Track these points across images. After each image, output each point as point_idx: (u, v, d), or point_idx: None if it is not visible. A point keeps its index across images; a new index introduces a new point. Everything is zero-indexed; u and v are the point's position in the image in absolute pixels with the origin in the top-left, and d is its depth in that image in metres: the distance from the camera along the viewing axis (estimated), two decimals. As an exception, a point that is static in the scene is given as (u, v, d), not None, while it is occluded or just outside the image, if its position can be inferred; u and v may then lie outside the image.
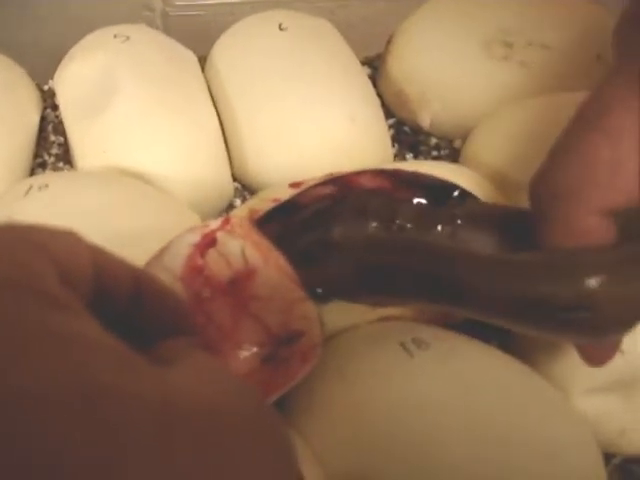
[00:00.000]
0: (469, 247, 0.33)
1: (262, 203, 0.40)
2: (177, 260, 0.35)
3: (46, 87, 0.57)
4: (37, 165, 0.52)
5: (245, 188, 0.51)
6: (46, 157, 0.52)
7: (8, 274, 0.18)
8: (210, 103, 0.51)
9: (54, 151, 0.53)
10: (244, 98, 0.50)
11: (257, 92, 0.50)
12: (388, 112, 0.55)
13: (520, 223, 0.32)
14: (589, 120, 0.29)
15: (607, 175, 0.28)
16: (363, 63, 0.57)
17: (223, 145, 0.50)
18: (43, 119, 0.54)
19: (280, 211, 0.38)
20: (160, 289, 0.25)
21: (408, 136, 0.55)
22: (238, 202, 0.50)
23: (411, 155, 0.53)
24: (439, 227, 0.33)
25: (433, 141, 0.54)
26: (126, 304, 0.23)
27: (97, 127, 0.47)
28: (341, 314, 0.37)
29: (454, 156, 0.52)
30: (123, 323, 0.22)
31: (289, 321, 0.34)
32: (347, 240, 0.35)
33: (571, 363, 0.38)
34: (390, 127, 0.54)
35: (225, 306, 0.34)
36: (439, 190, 0.37)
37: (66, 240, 0.22)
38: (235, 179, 0.51)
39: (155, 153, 0.46)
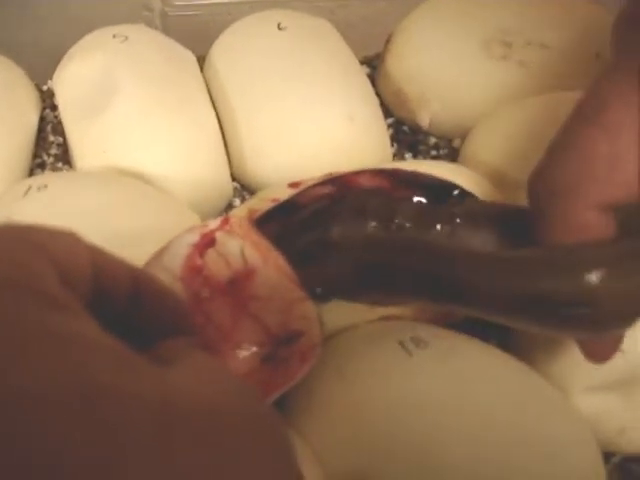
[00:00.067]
0: (468, 245, 0.33)
1: (261, 203, 0.40)
2: (176, 260, 0.35)
3: (45, 87, 0.57)
4: (36, 165, 0.52)
5: (244, 188, 0.51)
6: (45, 157, 0.52)
7: (7, 274, 0.18)
8: (209, 103, 0.51)
9: (53, 151, 0.53)
10: (243, 98, 0.50)
11: (256, 92, 0.50)
12: (387, 111, 0.55)
13: (519, 221, 0.32)
14: (587, 116, 0.30)
15: (605, 170, 0.28)
16: (362, 62, 0.57)
17: (222, 145, 0.50)
18: (42, 119, 0.54)
19: (279, 211, 0.38)
20: (159, 289, 0.25)
21: (407, 135, 0.55)
22: (237, 202, 0.50)
23: (410, 154, 0.53)
24: (438, 226, 0.34)
25: (432, 140, 0.54)
26: (125, 304, 0.23)
27: (96, 127, 0.47)
28: (340, 314, 0.37)
29: (453, 155, 0.52)
30: (122, 323, 0.22)
31: (288, 321, 0.34)
32: (346, 240, 0.35)
33: (570, 362, 0.38)
34: (389, 126, 0.54)
35: (224, 306, 0.34)
36: (438, 189, 0.37)
37: (65, 240, 0.22)
38: (234, 179, 0.51)
39: (154, 153, 0.46)
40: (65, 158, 0.52)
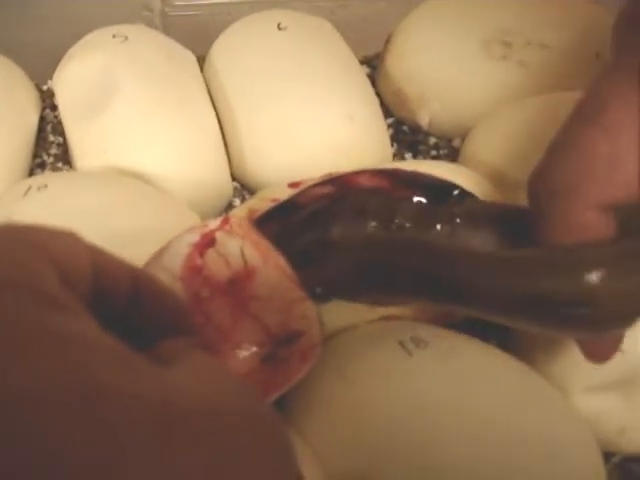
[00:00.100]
0: (468, 245, 0.33)
1: (261, 203, 0.40)
2: (176, 260, 0.35)
3: (45, 87, 0.57)
4: (36, 165, 0.52)
5: (244, 188, 0.51)
6: (45, 157, 0.52)
7: (7, 274, 0.18)
8: (209, 103, 0.51)
9: (53, 151, 0.53)
10: (243, 98, 0.50)
11: (256, 92, 0.50)
12: (387, 111, 0.55)
13: (519, 221, 0.32)
14: (587, 116, 0.29)
15: (605, 170, 0.28)
16: (362, 62, 0.57)
17: (222, 145, 0.50)
18: (42, 119, 0.54)
19: (279, 211, 0.38)
20: (159, 289, 0.25)
21: (407, 135, 0.55)
22: (237, 202, 0.50)
23: (410, 154, 0.53)
24: (438, 226, 0.34)
25: (432, 140, 0.54)
26: (125, 304, 0.23)
27: (96, 127, 0.47)
28: (340, 314, 0.37)
29: (453, 155, 0.52)
30: (122, 323, 0.22)
31: (288, 321, 0.34)
32: (346, 240, 0.35)
33: (570, 362, 0.38)
34: (389, 126, 0.54)
35: (224, 306, 0.34)
36: (438, 189, 0.37)
37: (65, 240, 0.22)
38: (234, 179, 0.51)
39: (154, 153, 0.46)
40: (65, 158, 0.52)
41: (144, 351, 0.20)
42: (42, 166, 0.52)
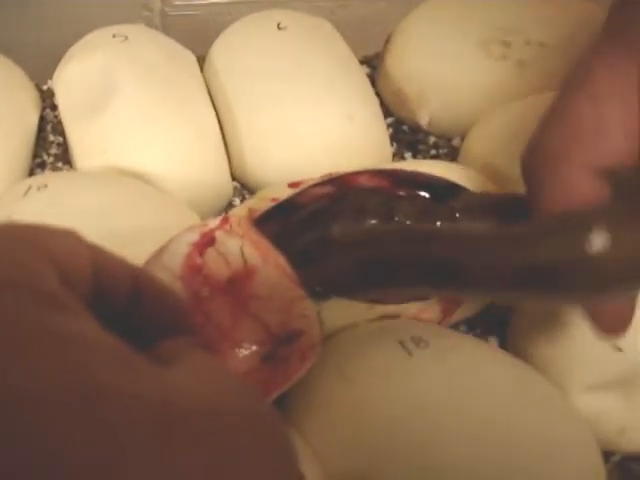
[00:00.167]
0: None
1: (261, 202, 0.40)
2: (176, 259, 0.35)
3: (45, 87, 0.57)
4: (36, 165, 0.52)
5: (244, 187, 0.51)
6: (45, 157, 0.52)
7: (7, 274, 0.18)
8: (209, 103, 0.51)
9: (53, 151, 0.53)
10: (243, 98, 0.50)
11: (256, 91, 0.50)
12: (387, 111, 0.55)
13: (518, 208, 0.32)
14: (573, 85, 0.30)
15: (592, 135, 0.29)
16: (362, 62, 0.57)
17: (222, 145, 0.50)
18: (42, 119, 0.54)
19: (279, 211, 0.39)
20: (159, 288, 0.25)
21: (407, 135, 0.55)
22: (237, 201, 0.50)
23: (410, 154, 0.54)
24: (438, 223, 0.34)
25: (432, 140, 0.54)
26: (125, 303, 0.23)
27: (96, 127, 0.47)
28: (340, 313, 0.37)
29: (453, 155, 0.52)
30: (122, 323, 0.22)
31: (288, 320, 0.34)
32: (346, 238, 0.35)
33: (570, 362, 0.38)
34: (389, 126, 0.54)
35: (224, 305, 0.34)
36: (438, 188, 0.37)
37: (65, 240, 0.22)
38: (234, 178, 0.51)
39: (154, 153, 0.46)
40: (65, 158, 0.52)
41: (144, 351, 0.20)
42: (42, 166, 0.52)
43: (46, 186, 0.42)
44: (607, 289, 0.28)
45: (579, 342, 0.38)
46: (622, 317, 0.32)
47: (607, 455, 0.38)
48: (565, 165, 0.29)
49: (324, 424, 0.34)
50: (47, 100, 0.56)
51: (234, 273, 0.35)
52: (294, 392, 0.35)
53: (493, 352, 0.39)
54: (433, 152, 0.53)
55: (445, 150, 0.53)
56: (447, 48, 0.53)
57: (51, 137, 0.54)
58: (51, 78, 0.54)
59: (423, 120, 0.53)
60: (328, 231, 0.35)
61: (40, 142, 0.53)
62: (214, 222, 0.37)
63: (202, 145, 0.48)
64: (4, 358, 0.16)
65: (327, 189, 0.40)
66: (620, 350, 0.36)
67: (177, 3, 0.62)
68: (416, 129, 0.54)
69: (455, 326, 0.43)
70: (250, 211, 0.39)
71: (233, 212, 0.43)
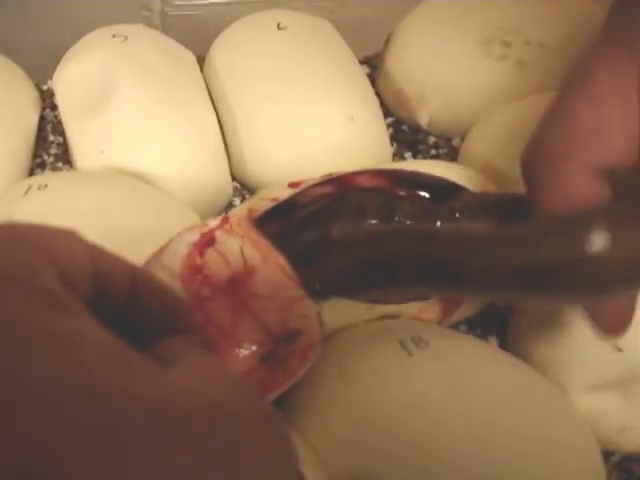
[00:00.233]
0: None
1: (261, 202, 0.40)
2: (176, 259, 0.35)
3: (45, 87, 0.57)
4: (36, 165, 0.52)
5: (244, 187, 0.51)
6: (45, 157, 0.52)
7: (8, 273, 0.18)
8: (209, 103, 0.51)
9: (53, 151, 0.53)
10: (243, 97, 0.50)
11: (256, 91, 0.50)
12: (387, 111, 0.55)
13: (517, 208, 0.32)
14: (573, 85, 0.30)
15: (592, 135, 0.29)
16: (362, 62, 0.57)
17: (222, 144, 0.50)
18: (42, 119, 0.54)
19: (279, 211, 0.39)
20: (159, 288, 0.25)
21: (407, 135, 0.55)
22: (237, 201, 0.50)
23: (410, 154, 0.54)
24: (438, 223, 0.33)
25: (432, 140, 0.54)
26: (125, 303, 0.23)
27: (96, 127, 0.47)
28: (340, 313, 0.37)
29: (453, 155, 0.52)
30: (122, 322, 0.22)
31: (288, 320, 0.34)
32: (346, 237, 0.35)
33: (570, 362, 0.38)
34: (389, 126, 0.54)
35: (224, 305, 0.34)
36: (438, 188, 0.37)
37: (65, 239, 0.22)
38: (234, 178, 0.51)
39: (154, 153, 0.46)
40: (65, 158, 0.52)
41: (144, 351, 0.20)
42: (42, 166, 0.52)
43: (46, 186, 0.42)
44: (607, 289, 0.28)
45: (579, 342, 0.38)
46: (622, 317, 0.32)
47: (607, 455, 0.38)
48: (565, 165, 0.29)
49: (324, 424, 0.34)
50: (47, 100, 0.56)
51: (234, 273, 0.35)
52: (294, 392, 0.35)
53: (493, 352, 0.39)
54: (433, 152, 0.53)
55: (445, 150, 0.53)
56: (447, 48, 0.53)
57: (51, 137, 0.54)
58: (51, 78, 0.54)
59: (423, 120, 0.53)
60: (328, 231, 0.35)
61: (40, 142, 0.53)
62: (214, 222, 0.37)
63: (202, 145, 0.48)
64: (4, 357, 0.16)
65: (327, 189, 0.40)
66: (620, 350, 0.36)
67: (177, 3, 0.62)
68: (416, 129, 0.54)
69: (455, 326, 0.43)
70: (250, 211, 0.39)
71: (233, 212, 0.43)
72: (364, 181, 0.40)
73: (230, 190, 0.50)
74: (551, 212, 0.29)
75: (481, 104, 0.51)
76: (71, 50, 0.53)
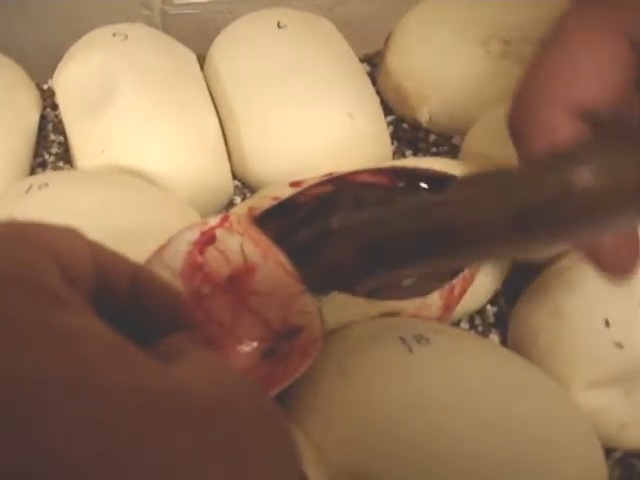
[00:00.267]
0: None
1: (262, 201, 0.40)
2: (176, 257, 0.35)
3: (46, 86, 0.57)
4: (37, 164, 0.52)
5: (245, 186, 0.51)
6: (46, 156, 0.52)
7: (9, 270, 0.18)
8: (209, 101, 0.51)
9: (54, 150, 0.53)
10: (243, 96, 0.50)
11: (256, 90, 0.50)
12: (387, 109, 0.55)
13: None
14: (548, 39, 0.32)
15: (567, 75, 0.30)
16: (362, 60, 0.57)
17: (223, 143, 0.50)
18: (43, 118, 0.54)
19: (279, 209, 0.39)
20: (160, 285, 0.25)
21: (407, 133, 0.55)
22: (238, 200, 0.50)
23: (410, 152, 0.54)
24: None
25: (432, 138, 0.54)
26: (126, 301, 0.23)
27: (97, 126, 0.47)
28: (341, 310, 0.37)
29: (453, 152, 0.52)
30: (123, 320, 0.22)
31: (289, 316, 0.34)
32: (345, 228, 0.35)
33: (571, 358, 0.38)
34: (389, 124, 0.54)
35: (225, 302, 0.34)
36: (437, 180, 0.37)
37: (66, 237, 0.22)
38: (235, 177, 0.51)
39: (155, 151, 0.46)
40: (66, 157, 0.52)
41: (146, 348, 0.20)
42: (43, 165, 0.52)
43: (47, 185, 0.42)
44: (597, 223, 0.27)
45: (580, 339, 0.38)
46: (627, 254, 0.31)
47: (609, 451, 0.38)
48: (544, 107, 0.30)
49: (325, 421, 0.34)
50: (48, 99, 0.56)
51: (234, 270, 0.35)
52: (295, 389, 0.35)
53: (494, 349, 0.39)
54: (433, 150, 0.53)
55: (445, 148, 0.53)
56: (447, 46, 0.53)
57: (52, 136, 0.54)
58: (52, 77, 0.54)
59: (423, 118, 0.53)
60: (327, 223, 0.35)
61: (41, 141, 0.53)
62: (214, 220, 0.37)
63: (203, 144, 0.48)
64: (5, 355, 0.16)
65: (328, 188, 0.40)
66: (621, 346, 0.36)
67: (177, 2, 0.62)
68: (417, 127, 0.54)
69: (456, 323, 0.43)
70: (250, 209, 0.39)
71: (234, 210, 0.43)
72: (365, 180, 0.40)
73: (231, 188, 0.50)
74: (534, 153, 0.30)
75: (481, 102, 0.51)
76: (71, 49, 0.53)
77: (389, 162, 0.49)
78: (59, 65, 0.52)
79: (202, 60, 0.55)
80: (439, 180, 0.37)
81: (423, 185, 0.37)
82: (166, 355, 0.21)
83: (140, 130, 0.47)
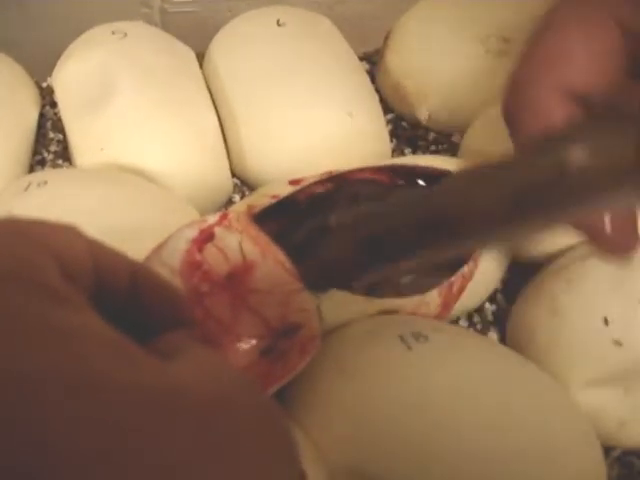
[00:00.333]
0: None
1: (261, 199, 0.40)
2: (175, 255, 0.35)
3: (45, 84, 0.57)
4: (36, 162, 0.52)
5: (244, 184, 0.51)
6: (45, 154, 0.52)
7: (9, 268, 0.18)
8: (209, 99, 0.51)
9: (53, 148, 0.53)
10: (242, 94, 0.50)
11: (255, 88, 0.50)
12: (386, 107, 0.55)
13: None
14: (540, 27, 0.32)
15: (558, 59, 0.30)
16: (361, 58, 0.57)
17: (222, 141, 0.50)
18: (42, 116, 0.54)
19: (278, 208, 0.39)
20: (158, 283, 0.25)
21: (406, 131, 0.55)
22: (237, 198, 0.50)
23: (409, 150, 0.54)
24: None
25: (431, 136, 0.54)
26: (125, 298, 0.23)
27: (96, 124, 0.47)
28: (340, 308, 0.37)
29: (453, 150, 0.52)
30: (122, 317, 0.22)
31: (287, 314, 0.34)
32: (344, 224, 0.35)
33: (570, 357, 0.38)
34: (388, 122, 0.54)
35: (224, 300, 0.34)
36: (435, 177, 0.37)
37: (65, 234, 0.22)
38: (234, 175, 0.51)
39: (154, 149, 0.46)
40: (65, 155, 0.52)
41: (145, 345, 0.20)
42: (42, 163, 0.52)
43: (46, 183, 0.42)
44: (594, 201, 0.27)
45: (579, 337, 0.38)
46: (628, 232, 0.31)
47: (607, 450, 0.38)
48: (536, 90, 0.30)
49: (324, 419, 0.34)
50: (47, 97, 0.56)
51: (233, 268, 0.35)
52: (294, 387, 0.35)
53: (493, 347, 0.39)
54: (433, 148, 0.53)
55: (445, 146, 0.53)
56: (447, 44, 0.53)
57: (51, 134, 0.54)
58: (51, 75, 0.54)
59: (423, 116, 0.53)
60: (326, 221, 0.35)
61: (40, 139, 0.53)
62: (213, 218, 0.37)
63: (202, 142, 0.48)
64: (6, 351, 0.16)
65: (327, 187, 0.40)
66: (620, 344, 0.36)
67: (176, 0, 0.62)
68: (416, 125, 0.54)
69: (455, 321, 0.43)
70: (249, 207, 0.39)
71: (233, 208, 0.43)
72: (364, 178, 0.40)
73: (230, 187, 0.50)
74: (530, 139, 0.30)
75: (481, 100, 0.51)
76: (70, 47, 0.53)
77: (388, 160, 0.49)
78: (58, 63, 0.52)
79: (201, 58, 0.55)
80: (438, 178, 0.37)
81: (422, 183, 0.37)
82: (165, 352, 0.21)
83: (139, 128, 0.47)
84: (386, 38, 0.56)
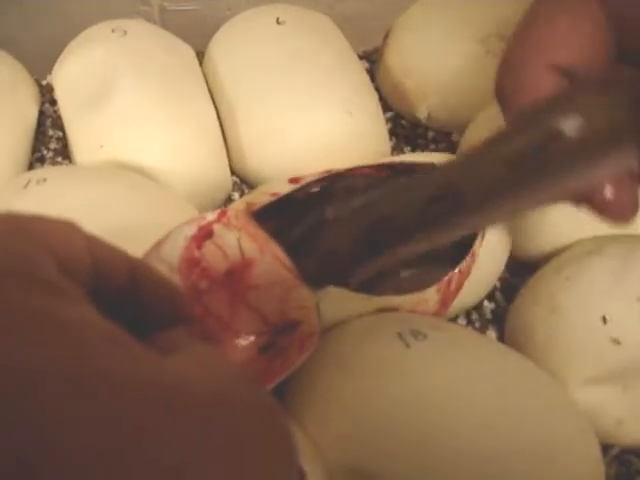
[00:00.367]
0: None
1: (261, 197, 0.40)
2: (174, 252, 0.35)
3: (44, 82, 0.57)
4: (36, 160, 0.52)
5: (243, 182, 0.51)
6: (45, 152, 0.52)
7: (7, 263, 0.18)
8: (208, 97, 0.51)
9: (52, 146, 0.53)
10: (242, 92, 0.50)
11: (254, 86, 0.50)
12: (386, 106, 0.55)
13: None
14: (528, 15, 0.33)
15: (547, 38, 0.31)
16: (361, 57, 0.57)
17: (221, 139, 0.50)
18: (41, 114, 0.55)
19: (277, 206, 0.39)
20: (157, 279, 0.25)
21: (406, 129, 0.55)
22: (236, 196, 0.50)
23: (409, 148, 0.54)
24: None
25: (431, 134, 0.54)
26: (124, 294, 0.23)
27: (95, 121, 0.47)
28: (338, 305, 0.37)
29: (452, 149, 0.52)
30: (121, 313, 0.22)
31: (286, 310, 0.34)
32: (340, 216, 0.35)
33: (568, 355, 0.38)
34: (388, 121, 0.55)
35: (222, 297, 0.34)
36: None
37: (64, 230, 0.22)
38: (233, 173, 0.51)
39: (153, 147, 0.46)
40: (64, 152, 0.52)
41: (144, 341, 0.20)
42: (41, 160, 0.52)
43: (45, 180, 0.42)
44: (591, 163, 0.27)
45: (577, 335, 0.38)
46: (628, 198, 0.31)
47: (606, 448, 0.38)
48: (526, 67, 0.31)
49: (322, 416, 0.34)
50: (46, 95, 0.56)
51: (232, 265, 0.35)
52: (293, 385, 0.35)
53: (491, 345, 0.39)
54: (432, 146, 0.54)
55: (444, 144, 0.53)
56: (446, 43, 0.53)
57: (50, 132, 0.54)
58: (50, 73, 0.54)
59: (422, 115, 0.53)
60: (322, 214, 0.35)
61: (39, 137, 0.53)
62: (212, 215, 0.37)
63: (201, 139, 0.48)
64: (5, 346, 0.16)
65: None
66: (618, 343, 0.36)
67: (176, -2, 0.63)
68: (415, 124, 0.54)
69: (453, 319, 0.43)
70: (248, 205, 0.39)
71: (232, 206, 0.43)
72: (362, 174, 0.40)
73: (229, 184, 0.50)
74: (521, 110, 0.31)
75: (480, 98, 0.51)
76: (70, 45, 0.53)
77: (387, 158, 0.49)
78: (58, 61, 0.52)
79: (201, 56, 0.55)
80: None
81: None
82: (164, 348, 0.21)
83: (139, 126, 0.47)
84: (386, 37, 0.56)
